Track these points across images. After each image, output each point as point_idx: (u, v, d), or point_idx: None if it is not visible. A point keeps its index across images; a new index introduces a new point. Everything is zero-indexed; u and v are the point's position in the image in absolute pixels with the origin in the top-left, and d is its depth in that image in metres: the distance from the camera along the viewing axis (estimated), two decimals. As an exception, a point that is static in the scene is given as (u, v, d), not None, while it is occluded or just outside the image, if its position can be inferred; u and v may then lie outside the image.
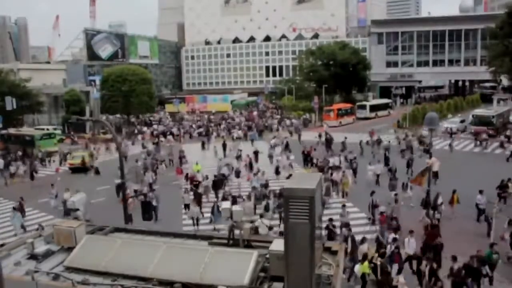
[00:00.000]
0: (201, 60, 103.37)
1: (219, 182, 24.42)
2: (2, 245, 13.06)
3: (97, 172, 31.83)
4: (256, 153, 32.28)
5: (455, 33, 78.52)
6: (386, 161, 28.68)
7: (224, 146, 37.60)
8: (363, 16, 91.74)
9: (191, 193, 22.43)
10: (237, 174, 27.05)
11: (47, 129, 50.63)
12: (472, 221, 18.48)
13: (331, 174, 24.60)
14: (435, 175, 23.09)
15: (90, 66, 76.18)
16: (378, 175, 25.04)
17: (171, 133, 47.96)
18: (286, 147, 35.58)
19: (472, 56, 78.88)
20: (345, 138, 36.06)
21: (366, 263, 12.99)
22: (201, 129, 50.35)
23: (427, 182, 18.67)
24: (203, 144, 40.55)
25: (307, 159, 30.99)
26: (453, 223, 18.32)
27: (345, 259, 13.47)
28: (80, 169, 32.88)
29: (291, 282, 5.44)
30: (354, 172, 26.32)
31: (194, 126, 53.90)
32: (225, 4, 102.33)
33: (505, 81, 78.47)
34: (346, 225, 16.40)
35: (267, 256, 6.23)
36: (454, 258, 12.63)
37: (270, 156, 32.27)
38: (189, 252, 6.74)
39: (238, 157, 31.65)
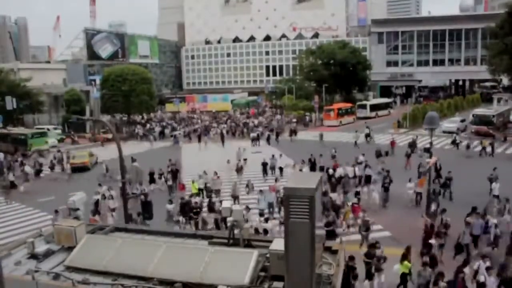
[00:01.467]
0: (201, 59, 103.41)
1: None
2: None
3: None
4: (264, 165, 28.49)
5: (455, 32, 78.52)
6: (437, 174, 23.53)
7: (223, 138, 42.81)
8: (363, 15, 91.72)
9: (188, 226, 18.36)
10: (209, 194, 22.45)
11: (47, 129, 50.73)
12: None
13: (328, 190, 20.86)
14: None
15: (90, 66, 76.14)
16: (419, 194, 21.11)
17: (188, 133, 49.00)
18: (267, 139, 41.63)
19: (472, 56, 78.87)
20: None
21: (406, 262, 12.62)
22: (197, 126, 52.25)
23: (427, 182, 18.73)
24: (199, 137, 43.37)
25: (314, 167, 27.18)
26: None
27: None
28: (82, 168, 32.95)
29: (291, 282, 5.45)
30: (386, 189, 22.07)
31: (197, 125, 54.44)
32: (225, 4, 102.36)
33: (505, 81, 78.53)
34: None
35: (268, 255, 6.23)
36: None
37: (280, 168, 28.16)
38: (189, 251, 6.75)
39: (239, 170, 27.63)
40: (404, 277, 12.66)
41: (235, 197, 21.88)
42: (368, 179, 23.59)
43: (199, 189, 23.14)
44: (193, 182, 23.37)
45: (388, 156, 31.80)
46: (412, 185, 21.45)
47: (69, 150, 39.84)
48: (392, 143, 35.15)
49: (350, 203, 19.24)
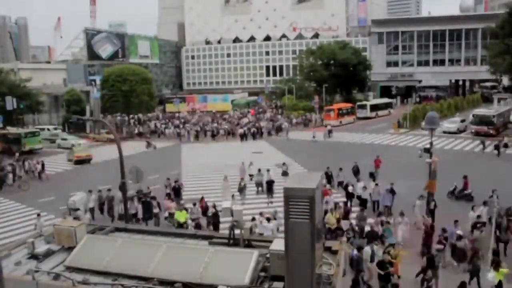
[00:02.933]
0: (201, 59, 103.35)
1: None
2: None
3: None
4: (270, 183, 23.44)
5: (455, 32, 78.51)
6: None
7: (213, 137, 46.10)
8: (363, 15, 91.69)
9: None
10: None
11: (48, 129, 50.83)
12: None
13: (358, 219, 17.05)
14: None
15: (90, 66, 76.13)
16: (483, 224, 16.73)
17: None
18: (254, 136, 45.41)
19: (473, 56, 78.86)
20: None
21: (502, 269, 11.74)
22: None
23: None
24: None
25: (330, 182, 23.44)
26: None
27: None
28: (85, 160, 36.26)
29: (291, 282, 5.44)
30: (432, 214, 17.71)
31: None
32: (225, 4, 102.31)
33: (505, 81, 78.52)
34: None
35: (268, 255, 6.23)
36: None
37: (269, 184, 23.48)
38: (189, 251, 6.75)
39: (242, 190, 22.38)
40: (500, 285, 11.81)
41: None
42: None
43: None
44: (180, 210, 18.76)
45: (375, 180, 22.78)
46: (477, 213, 16.95)
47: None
48: (377, 163, 26.39)
49: (390, 240, 15.10)
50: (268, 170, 24.45)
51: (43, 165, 31.89)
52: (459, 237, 14.64)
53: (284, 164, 27.64)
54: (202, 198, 20.11)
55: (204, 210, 19.09)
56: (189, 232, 8.92)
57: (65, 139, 45.45)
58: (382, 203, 20.02)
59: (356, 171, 24.91)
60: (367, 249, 13.60)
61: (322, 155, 34.47)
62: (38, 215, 18.74)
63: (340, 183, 23.39)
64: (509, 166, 28.45)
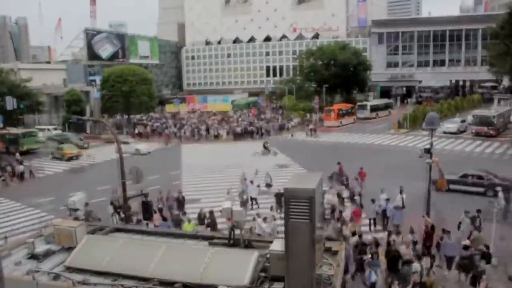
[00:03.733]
0: (201, 60, 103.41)
1: None
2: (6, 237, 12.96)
3: None
4: (279, 196, 19.81)
5: (455, 33, 78.55)
6: None
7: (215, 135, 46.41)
8: (363, 16, 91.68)
9: None
10: None
11: (48, 129, 50.83)
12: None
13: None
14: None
15: (91, 66, 75.99)
16: None
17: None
18: (251, 134, 46.87)
19: (473, 56, 78.88)
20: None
21: None
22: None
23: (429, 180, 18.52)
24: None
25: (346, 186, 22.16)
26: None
27: None
28: (76, 157, 38.17)
29: (291, 282, 5.44)
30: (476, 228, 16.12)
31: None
32: (225, 4, 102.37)
33: (506, 81, 78.52)
34: None
35: (268, 256, 6.22)
36: None
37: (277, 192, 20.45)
38: (189, 252, 6.75)
39: (243, 204, 19.92)
40: None
41: None
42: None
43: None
44: (189, 221, 17.42)
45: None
46: None
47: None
48: (361, 175, 23.50)
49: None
50: (251, 182, 22.26)
51: (22, 165, 31.76)
52: (465, 248, 14.09)
53: (267, 174, 24.62)
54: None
55: (202, 218, 18.72)
56: (189, 232, 8.92)
57: (126, 143, 39.12)
58: (391, 221, 18.18)
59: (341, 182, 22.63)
60: (416, 265, 12.70)
61: (322, 155, 34.47)
62: (5, 237, 16.03)
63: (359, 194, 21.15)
64: None
